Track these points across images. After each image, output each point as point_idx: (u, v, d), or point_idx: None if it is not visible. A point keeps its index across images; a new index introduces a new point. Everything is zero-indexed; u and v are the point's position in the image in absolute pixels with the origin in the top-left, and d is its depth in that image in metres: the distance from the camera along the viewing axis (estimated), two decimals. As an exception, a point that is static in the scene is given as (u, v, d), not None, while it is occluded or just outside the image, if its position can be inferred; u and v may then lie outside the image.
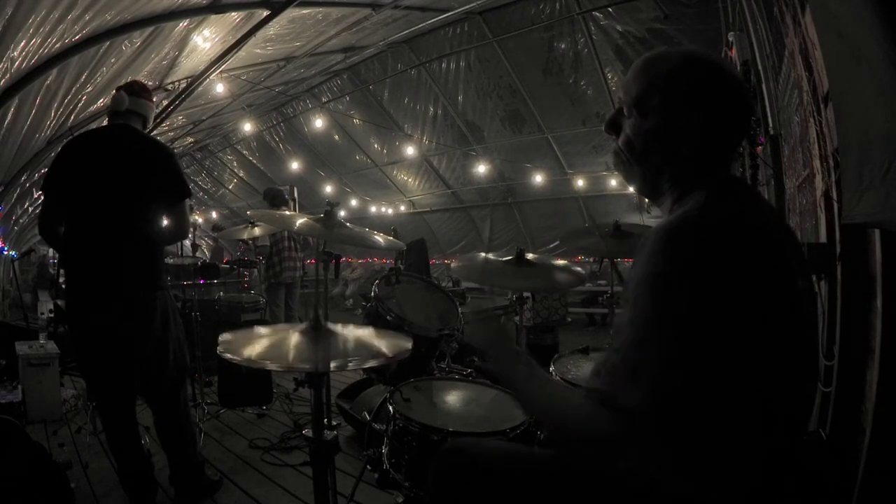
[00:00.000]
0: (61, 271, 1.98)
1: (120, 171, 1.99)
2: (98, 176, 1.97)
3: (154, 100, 2.30)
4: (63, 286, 2.10)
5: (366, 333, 1.28)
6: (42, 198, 2.07)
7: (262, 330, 1.25)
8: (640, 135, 0.93)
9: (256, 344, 1.17)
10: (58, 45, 2.96)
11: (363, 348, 1.20)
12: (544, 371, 0.97)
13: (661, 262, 0.78)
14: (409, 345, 1.15)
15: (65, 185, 1.99)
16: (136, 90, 2.16)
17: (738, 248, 0.77)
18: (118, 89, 2.14)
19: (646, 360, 0.75)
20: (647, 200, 1.03)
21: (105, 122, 2.19)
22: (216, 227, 5.42)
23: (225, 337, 1.14)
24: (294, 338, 1.17)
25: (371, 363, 1.15)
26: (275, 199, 4.78)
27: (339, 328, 1.23)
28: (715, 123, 0.89)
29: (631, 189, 1.08)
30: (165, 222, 2.08)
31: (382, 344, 1.18)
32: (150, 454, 2.08)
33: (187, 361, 2.22)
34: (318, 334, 1.18)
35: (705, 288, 0.74)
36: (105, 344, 1.94)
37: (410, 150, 7.94)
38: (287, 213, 4.27)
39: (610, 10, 5.10)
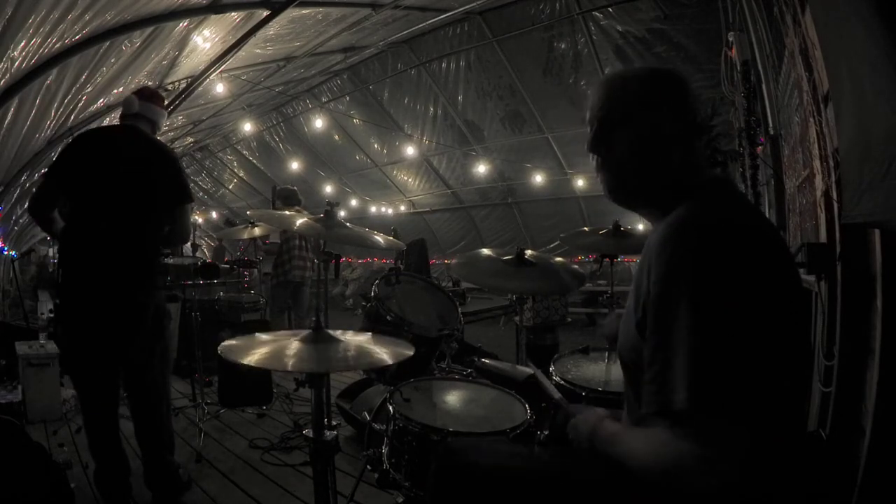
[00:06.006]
0: (61, 271, 1.97)
1: (124, 171, 2.00)
2: (102, 174, 1.99)
3: (165, 106, 2.33)
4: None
5: (365, 340, 1.28)
6: (42, 181, 2.09)
7: (263, 337, 1.25)
8: (644, 139, 0.93)
9: (257, 352, 1.16)
10: (58, 45, 2.96)
11: (364, 358, 1.20)
12: (617, 426, 0.93)
13: (673, 261, 0.79)
14: (409, 352, 1.15)
15: (68, 176, 2.01)
16: (147, 95, 2.21)
17: (748, 240, 0.79)
18: (132, 94, 2.20)
19: (682, 353, 0.74)
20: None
21: (113, 121, 2.21)
22: (228, 223, 5.37)
23: (226, 344, 1.14)
24: (294, 346, 1.17)
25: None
26: (288, 198, 4.66)
27: (338, 334, 1.22)
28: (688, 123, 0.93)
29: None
30: (167, 226, 2.10)
31: (383, 352, 1.18)
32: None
33: (171, 365, 2.21)
34: (318, 337, 1.18)
35: (724, 275, 0.75)
36: (95, 342, 1.95)
37: (410, 150, 7.94)
38: (287, 212, 4.25)
39: (610, 10, 5.10)
